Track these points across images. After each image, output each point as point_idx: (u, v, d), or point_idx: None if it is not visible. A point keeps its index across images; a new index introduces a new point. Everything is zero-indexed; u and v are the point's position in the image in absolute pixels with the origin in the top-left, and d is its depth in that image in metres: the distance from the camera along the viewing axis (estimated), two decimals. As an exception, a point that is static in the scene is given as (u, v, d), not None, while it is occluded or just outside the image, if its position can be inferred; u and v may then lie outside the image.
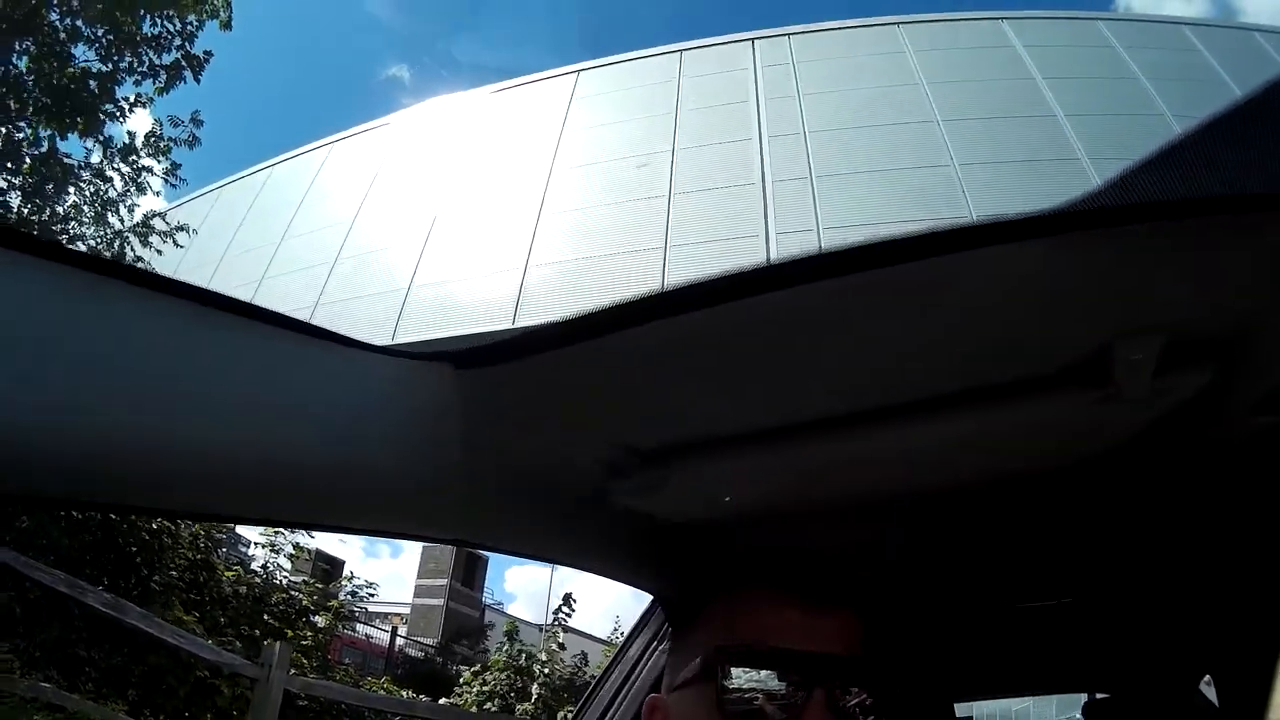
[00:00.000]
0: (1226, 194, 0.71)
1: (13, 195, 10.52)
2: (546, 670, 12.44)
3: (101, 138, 10.92)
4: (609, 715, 1.78)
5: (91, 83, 10.36)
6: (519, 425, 0.96)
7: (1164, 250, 0.72)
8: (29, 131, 10.40)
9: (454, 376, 0.85)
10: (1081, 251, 0.71)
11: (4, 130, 10.12)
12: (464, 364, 0.84)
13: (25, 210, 10.53)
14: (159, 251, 11.68)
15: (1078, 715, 3.34)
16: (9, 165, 10.25)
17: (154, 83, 10.93)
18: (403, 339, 13.77)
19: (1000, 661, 2.70)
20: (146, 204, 12.17)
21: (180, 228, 11.95)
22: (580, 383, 0.87)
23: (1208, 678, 2.74)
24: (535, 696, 12.08)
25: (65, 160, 10.70)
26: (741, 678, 0.89)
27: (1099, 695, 3.30)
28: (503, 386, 0.87)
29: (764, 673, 0.89)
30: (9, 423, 0.63)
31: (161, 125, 11.47)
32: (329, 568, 13.78)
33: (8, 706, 5.66)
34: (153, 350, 0.69)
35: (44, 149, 10.44)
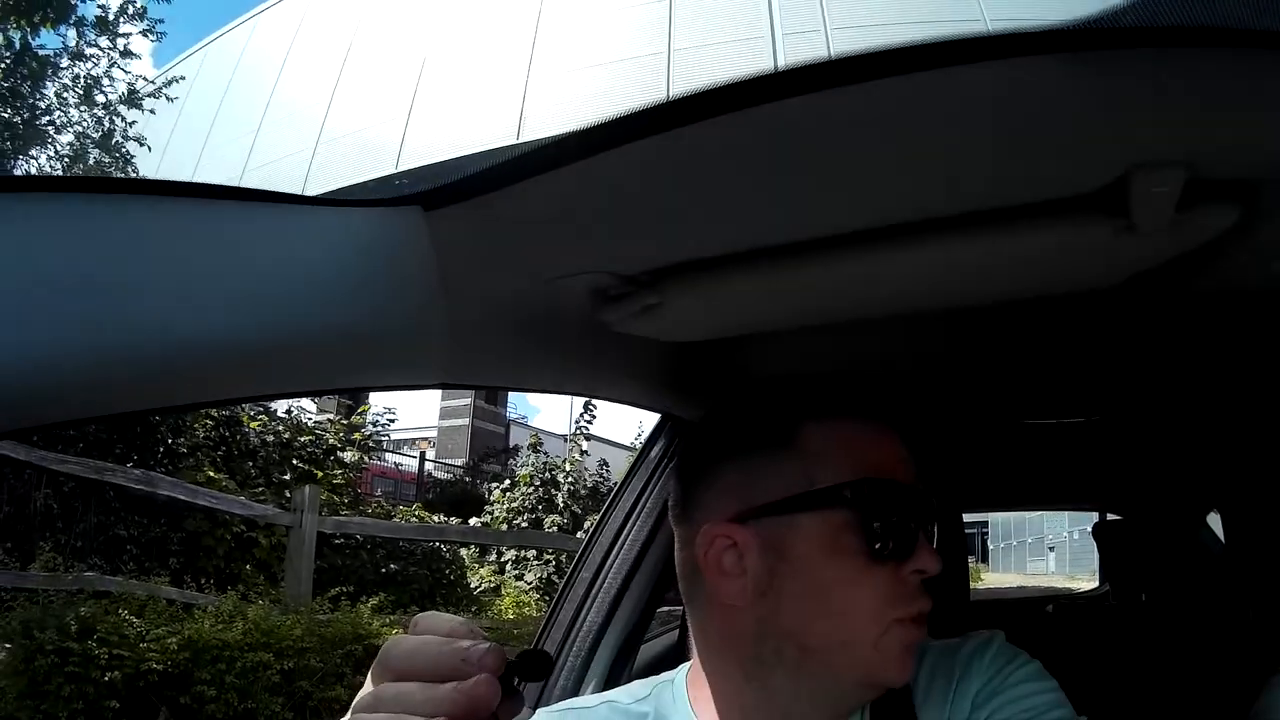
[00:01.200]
0: (1266, 28, 0.64)
1: None
2: (571, 480, 12.81)
3: (74, 18, 10.58)
4: (631, 521, 1.80)
5: None
6: (499, 261, 0.92)
7: (1191, 80, 0.66)
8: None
9: (424, 218, 0.81)
10: (1101, 71, 0.65)
11: None
12: (433, 204, 0.80)
13: (6, 114, 10.29)
14: (152, 112, 11.48)
15: (1088, 528, 3.42)
16: None
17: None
18: (408, 165, 13.62)
19: (1011, 475, 2.74)
20: (134, 70, 11.96)
21: (171, 81, 11.70)
22: (558, 212, 0.83)
23: (1215, 513, 2.80)
24: (561, 507, 12.49)
25: (40, 54, 10.39)
26: (877, 513, 0.88)
27: (1110, 517, 3.37)
28: (476, 223, 0.83)
29: (894, 509, 0.89)
30: None
31: None
32: (352, 402, 14.01)
33: (57, 604, 5.84)
34: (105, 249, 0.65)
35: (17, 49, 10.11)
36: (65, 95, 10.99)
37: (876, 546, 0.87)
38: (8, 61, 10.11)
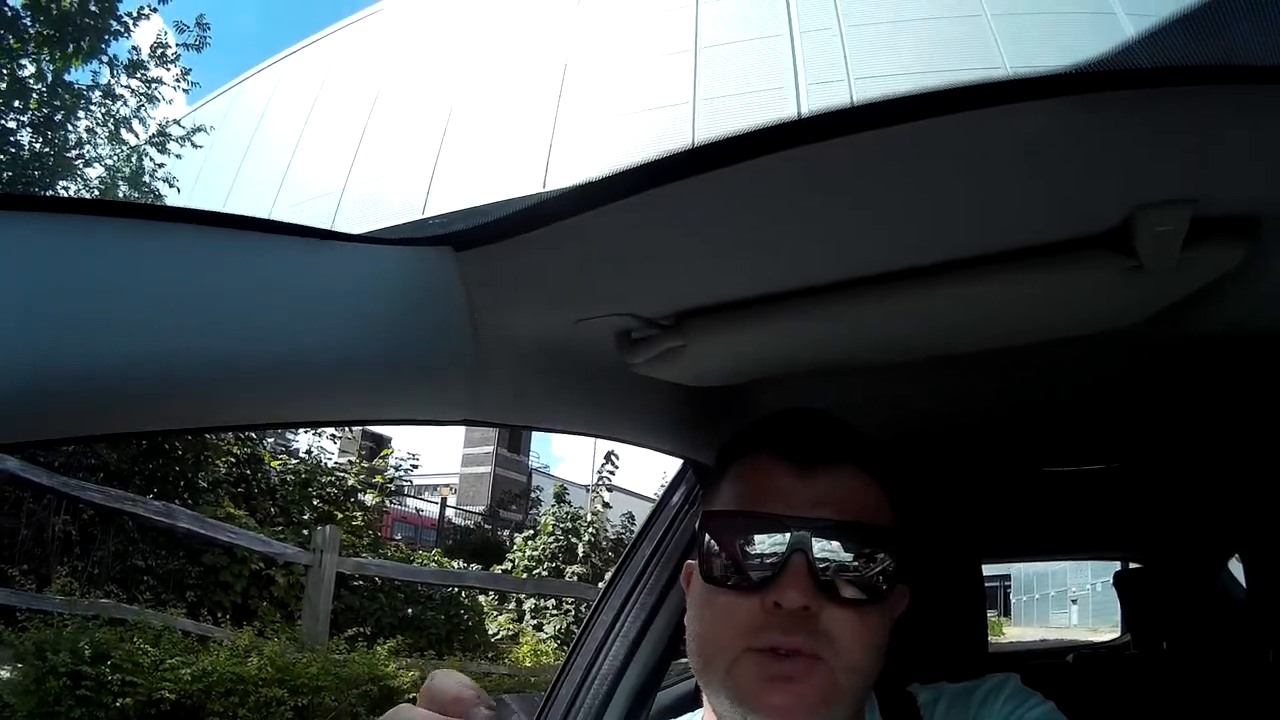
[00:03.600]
0: (1265, 63, 0.66)
1: (23, 133, 10.47)
2: (593, 530, 12.75)
3: (106, 58, 10.80)
4: (651, 567, 1.81)
5: (91, 5, 10.17)
6: (527, 302, 0.94)
7: (1195, 118, 0.68)
8: (33, 66, 10.28)
9: (456, 259, 0.84)
10: (1106, 113, 0.67)
11: (8, 70, 9.97)
12: (464, 245, 0.83)
13: (37, 145, 10.49)
14: (179, 156, 11.67)
15: (1110, 579, 3.40)
16: (16, 104, 10.16)
17: (156, -8, 10.79)
18: (434, 209, 13.73)
19: (1030, 524, 2.73)
20: (163, 113, 12.14)
21: (198, 129, 11.89)
22: (585, 255, 0.85)
23: (1236, 556, 2.77)
24: (583, 557, 12.42)
25: (73, 87, 10.61)
26: (725, 543, 0.90)
27: (1132, 565, 3.34)
28: (505, 265, 0.86)
29: (749, 537, 0.89)
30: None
31: (167, 33, 11.40)
32: (374, 445, 14.05)
33: (72, 628, 5.92)
34: (152, 275, 0.68)
35: (49, 80, 10.33)
36: (96, 131, 11.20)
37: (710, 574, 0.90)
38: (41, 92, 10.29)
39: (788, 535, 0.87)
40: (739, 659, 0.87)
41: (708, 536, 0.91)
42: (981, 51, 12.55)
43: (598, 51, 14.82)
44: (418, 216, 13.63)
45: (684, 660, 1.98)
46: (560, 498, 13.51)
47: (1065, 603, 34.59)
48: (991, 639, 3.64)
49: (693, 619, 0.94)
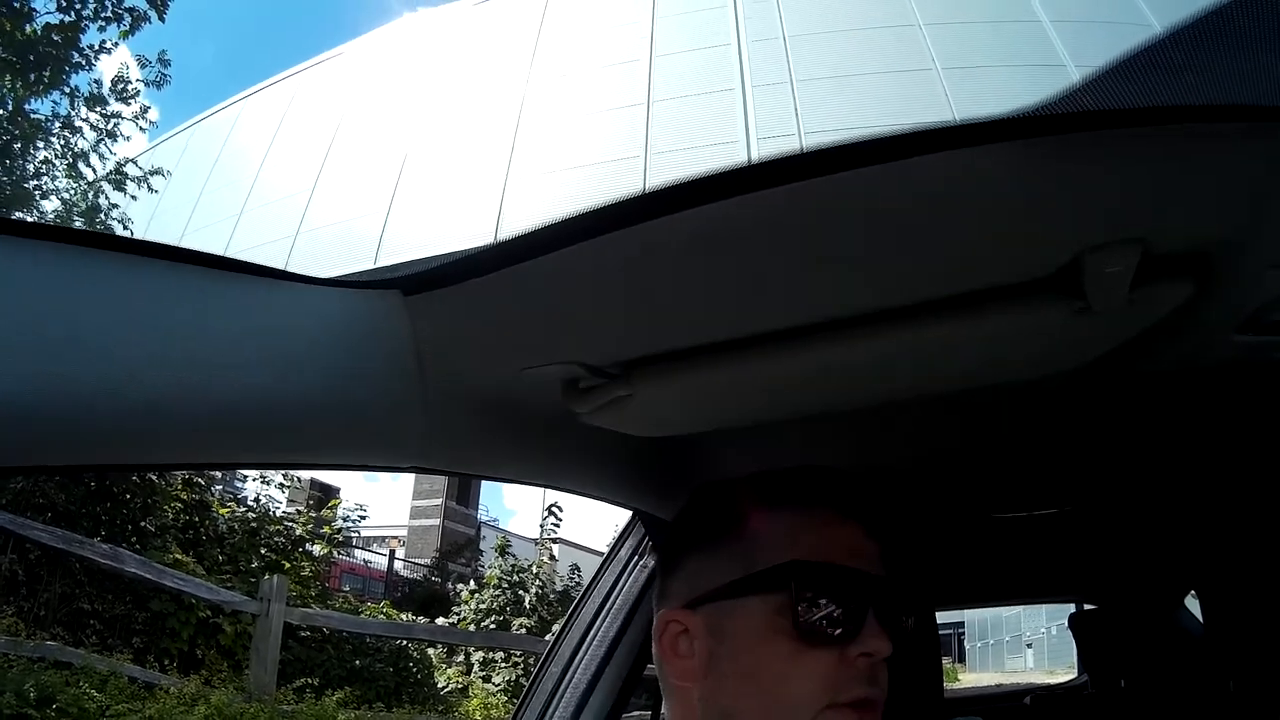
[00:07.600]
0: (1210, 103, 0.67)
1: None
2: (539, 583, 12.68)
3: (68, 89, 10.74)
4: (600, 619, 1.78)
5: (55, 35, 10.14)
6: (473, 348, 0.93)
7: (1141, 159, 0.69)
8: (-7, 93, 10.21)
9: (403, 303, 0.83)
10: (1053, 157, 0.67)
11: None
12: (412, 290, 0.82)
13: None
14: (134, 197, 11.62)
15: (1065, 622, 3.41)
16: None
17: (118, 27, 10.74)
18: (387, 257, 13.70)
19: (982, 571, 2.73)
20: (121, 149, 12.13)
21: (155, 171, 11.86)
22: (532, 302, 0.84)
23: (1193, 593, 2.79)
24: (529, 609, 12.34)
25: (32, 116, 10.53)
26: (808, 595, 0.88)
27: (1086, 607, 3.36)
28: (454, 310, 0.85)
29: (829, 591, 0.89)
30: None
31: (127, 69, 11.39)
32: (322, 495, 13.89)
33: (17, 670, 5.78)
34: (85, 306, 0.67)
35: (9, 108, 10.25)
36: (54, 162, 11.13)
37: (805, 627, 0.87)
38: (1, 117, 10.21)
39: (869, 592, 0.89)
40: (821, 715, 0.86)
41: (799, 588, 0.88)
42: (932, 103, 12.79)
43: (552, 103, 14.93)
44: (370, 265, 13.60)
45: (635, 714, 1.95)
46: (502, 551, 13.41)
47: (1020, 647, 34.76)
48: (947, 686, 3.64)
49: (762, 676, 0.89)
